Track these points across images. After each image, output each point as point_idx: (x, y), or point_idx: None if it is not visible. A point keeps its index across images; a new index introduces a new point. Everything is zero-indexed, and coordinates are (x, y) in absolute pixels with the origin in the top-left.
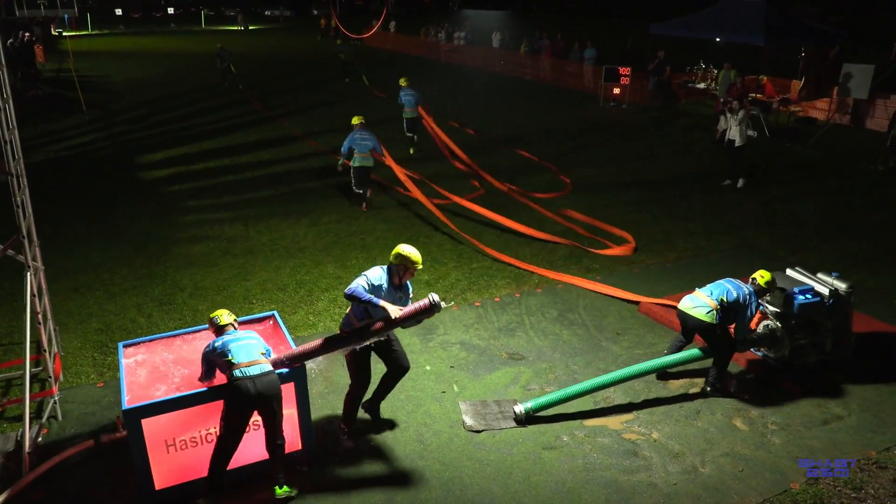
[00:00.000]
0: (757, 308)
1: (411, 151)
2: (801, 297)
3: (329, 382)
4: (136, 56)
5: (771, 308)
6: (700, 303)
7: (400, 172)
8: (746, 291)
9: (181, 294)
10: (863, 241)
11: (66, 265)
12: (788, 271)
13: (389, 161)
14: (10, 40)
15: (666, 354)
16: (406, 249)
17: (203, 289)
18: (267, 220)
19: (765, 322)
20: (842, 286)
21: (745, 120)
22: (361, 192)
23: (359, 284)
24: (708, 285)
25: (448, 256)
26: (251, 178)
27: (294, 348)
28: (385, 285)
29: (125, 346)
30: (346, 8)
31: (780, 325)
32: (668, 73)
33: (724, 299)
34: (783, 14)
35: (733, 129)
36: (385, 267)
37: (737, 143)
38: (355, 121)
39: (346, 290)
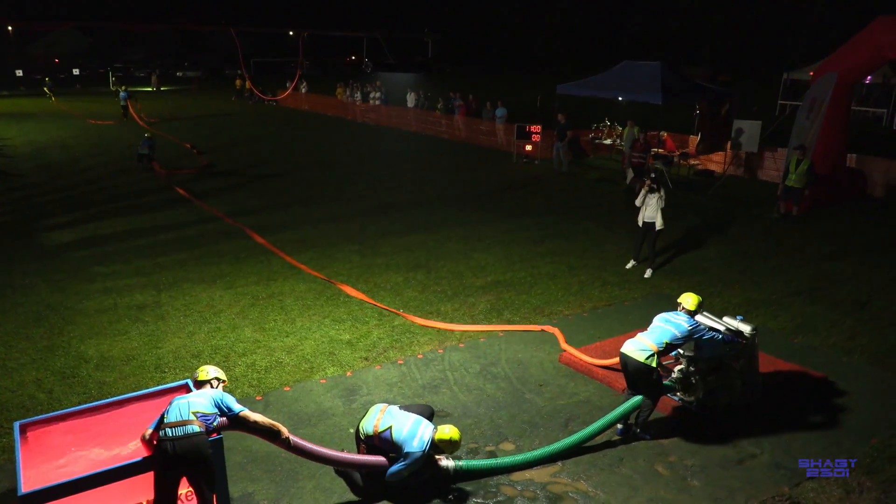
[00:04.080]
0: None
1: None
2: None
3: (248, 452)
4: (38, 118)
5: (683, 353)
6: (641, 346)
7: None
8: (686, 326)
9: (86, 366)
10: (762, 286)
11: None
12: (699, 317)
13: None
14: None
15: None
16: (453, 435)
17: (110, 359)
18: (180, 284)
19: (678, 367)
20: (747, 328)
21: (663, 199)
22: None
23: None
24: (649, 329)
25: (369, 315)
26: (163, 240)
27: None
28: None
29: (22, 426)
30: (259, 69)
31: (692, 368)
32: (568, 136)
33: (668, 342)
34: (677, 75)
35: (651, 210)
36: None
37: (657, 227)
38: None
39: (390, 477)
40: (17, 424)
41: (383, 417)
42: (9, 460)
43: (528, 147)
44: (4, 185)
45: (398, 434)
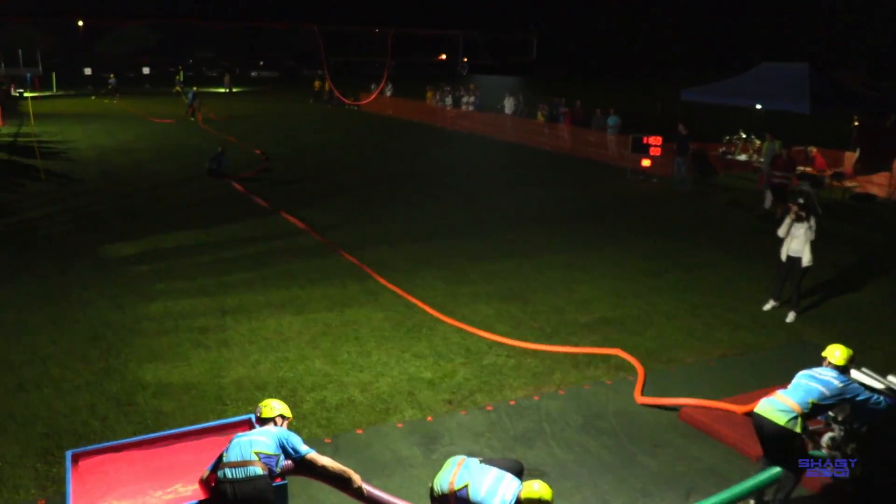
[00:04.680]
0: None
1: None
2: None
3: (314, 501)
4: (104, 119)
5: (835, 417)
6: (782, 406)
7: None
8: (837, 383)
9: (143, 393)
10: None
11: (10, 357)
12: (854, 373)
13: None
14: None
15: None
16: (543, 494)
17: (169, 386)
18: (246, 307)
19: (828, 434)
20: None
21: (813, 230)
22: None
23: None
24: (789, 386)
25: (455, 351)
26: (229, 257)
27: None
28: None
29: (74, 455)
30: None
31: (846, 437)
32: (692, 150)
33: (815, 402)
34: (828, 79)
35: (797, 242)
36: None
37: (804, 263)
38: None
39: None
40: (69, 454)
41: (460, 472)
42: (58, 492)
43: (645, 162)
44: (66, 191)
45: (476, 493)
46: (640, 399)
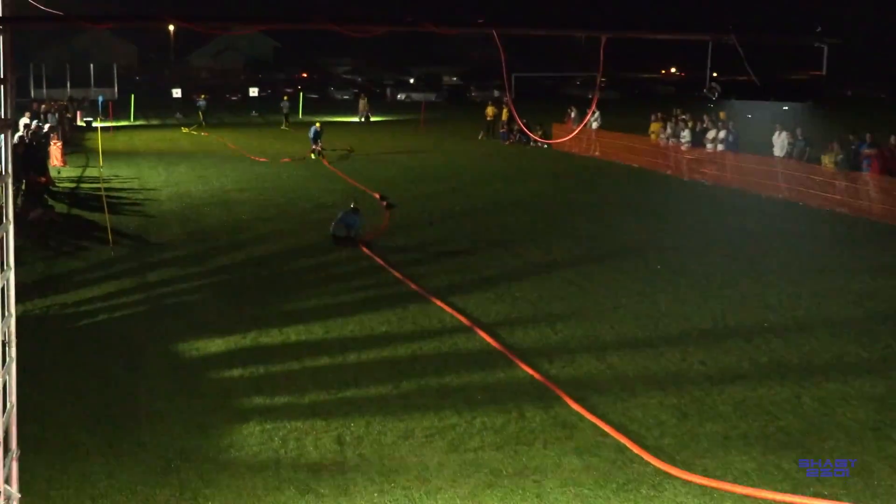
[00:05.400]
0: None
1: None
2: None
3: None
4: (195, 159)
5: None
6: None
7: None
8: None
9: None
10: None
11: (52, 494)
12: None
13: None
14: (21, 133)
15: None
16: None
17: None
18: (377, 437)
19: None
20: None
21: None
22: None
23: None
24: None
25: None
26: (357, 363)
27: None
28: None
29: None
30: (527, 88)
31: None
32: None
33: None
34: None
35: None
36: None
37: None
38: None
39: None
40: None
41: None
42: None
43: None
44: (139, 259)
45: None
46: None
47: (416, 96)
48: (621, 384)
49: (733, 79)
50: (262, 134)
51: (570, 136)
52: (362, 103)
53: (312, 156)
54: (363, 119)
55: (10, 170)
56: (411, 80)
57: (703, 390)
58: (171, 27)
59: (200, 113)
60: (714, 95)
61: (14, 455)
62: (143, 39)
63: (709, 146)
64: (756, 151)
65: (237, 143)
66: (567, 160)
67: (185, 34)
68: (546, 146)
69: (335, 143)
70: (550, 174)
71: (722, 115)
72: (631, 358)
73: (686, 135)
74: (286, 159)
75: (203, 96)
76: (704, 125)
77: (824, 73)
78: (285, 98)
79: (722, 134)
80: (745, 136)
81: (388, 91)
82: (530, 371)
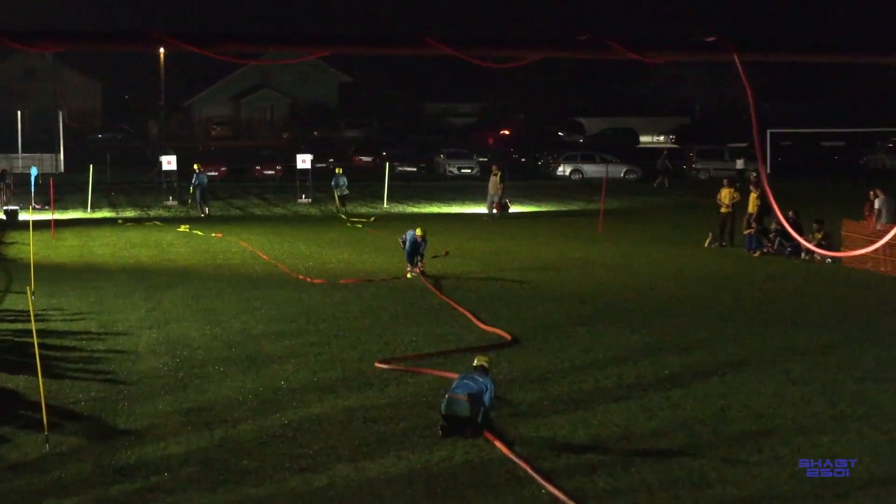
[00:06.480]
0: None
1: None
2: None
3: None
4: (198, 281)
5: None
6: None
7: None
8: None
9: None
10: None
11: None
12: None
13: None
14: None
15: None
16: None
17: None
18: None
19: None
20: None
21: None
22: None
23: None
24: None
25: None
26: None
27: None
28: None
29: None
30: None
31: None
32: None
33: None
34: None
35: None
36: None
37: None
38: None
39: None
40: None
41: None
42: None
43: None
44: (97, 457)
45: None
46: None
47: (588, 169)
48: None
49: None
50: (318, 233)
51: (879, 245)
52: (493, 182)
53: (409, 275)
54: (493, 210)
55: None
56: (580, 140)
57: None
58: (162, 50)
59: (196, 193)
60: None
61: None
62: (116, 70)
63: None
64: None
65: (272, 250)
66: (881, 291)
67: (183, 62)
68: (831, 261)
69: (435, 248)
70: (861, 323)
71: None
72: None
73: None
74: (349, 280)
75: (198, 167)
76: None
77: None
78: (338, 171)
79: None
80: None
81: (543, 160)
82: None
